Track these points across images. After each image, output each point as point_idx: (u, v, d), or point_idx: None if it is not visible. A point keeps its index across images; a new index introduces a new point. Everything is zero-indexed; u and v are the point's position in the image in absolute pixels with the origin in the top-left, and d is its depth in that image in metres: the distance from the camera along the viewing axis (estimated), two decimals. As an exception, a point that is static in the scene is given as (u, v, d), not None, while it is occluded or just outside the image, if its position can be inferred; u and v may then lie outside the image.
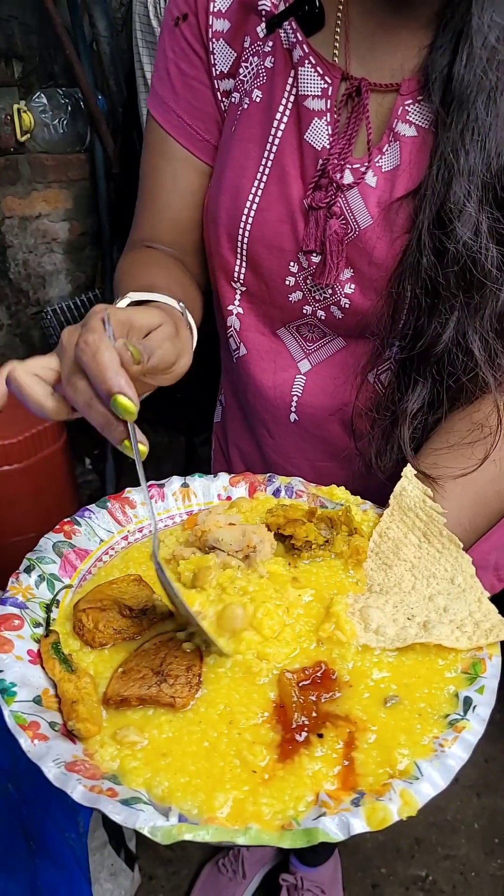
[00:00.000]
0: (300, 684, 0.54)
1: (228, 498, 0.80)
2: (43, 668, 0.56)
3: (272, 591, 0.61)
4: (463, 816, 1.88)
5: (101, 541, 0.72)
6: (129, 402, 0.54)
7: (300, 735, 0.51)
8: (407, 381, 0.80)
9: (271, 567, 0.66)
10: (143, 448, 0.58)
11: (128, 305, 0.70)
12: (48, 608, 0.62)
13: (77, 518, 0.72)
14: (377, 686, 0.55)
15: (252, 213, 0.82)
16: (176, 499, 0.79)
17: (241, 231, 0.83)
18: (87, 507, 0.74)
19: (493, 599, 0.61)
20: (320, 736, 0.50)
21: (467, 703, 0.52)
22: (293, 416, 0.96)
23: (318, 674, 0.55)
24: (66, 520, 0.71)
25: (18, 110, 2.23)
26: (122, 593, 0.63)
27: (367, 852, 1.82)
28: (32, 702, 0.51)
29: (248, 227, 0.82)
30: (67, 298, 2.65)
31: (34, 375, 0.59)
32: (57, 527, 0.70)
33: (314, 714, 0.52)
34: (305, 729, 0.51)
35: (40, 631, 0.59)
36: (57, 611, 0.62)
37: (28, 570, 0.64)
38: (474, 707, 0.52)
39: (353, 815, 0.43)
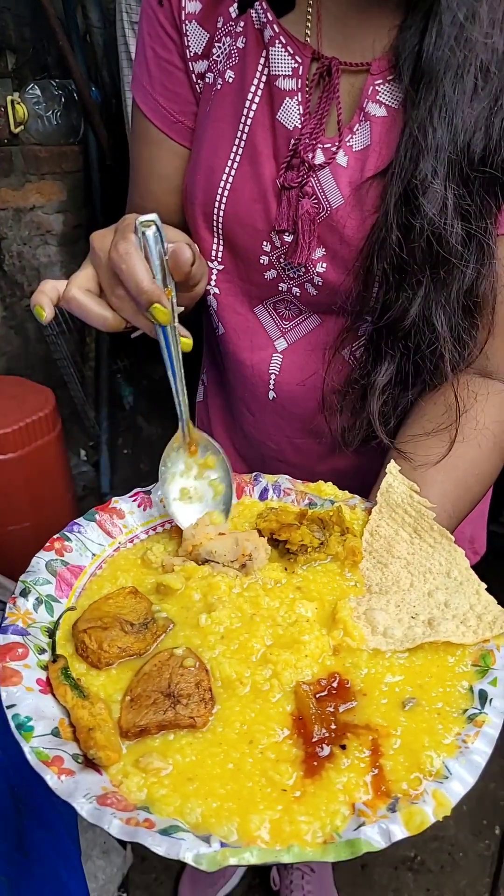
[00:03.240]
0: (317, 696, 0.54)
1: None
2: (54, 696, 0.53)
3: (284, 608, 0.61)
4: (451, 799, 1.94)
5: (94, 555, 0.70)
6: (164, 311, 0.62)
7: (322, 749, 0.50)
8: (377, 355, 0.81)
9: (270, 574, 0.65)
10: (188, 341, 0.68)
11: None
12: (51, 632, 0.60)
13: (66, 533, 0.69)
14: (392, 690, 0.55)
15: (226, 193, 0.83)
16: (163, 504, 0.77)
17: (215, 210, 0.84)
18: (76, 521, 0.72)
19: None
20: (343, 748, 0.50)
21: (482, 696, 0.53)
22: (271, 394, 0.97)
23: (334, 684, 0.55)
24: (55, 536, 0.69)
25: (12, 102, 2.20)
26: (121, 608, 0.61)
27: (358, 834, 1.87)
28: (51, 735, 0.50)
29: (223, 206, 0.83)
30: (62, 290, 2.65)
31: (88, 291, 0.65)
32: (47, 544, 0.67)
33: (333, 726, 0.52)
34: (326, 742, 0.50)
35: (45, 657, 0.57)
36: (58, 633, 0.60)
37: (24, 594, 0.61)
38: (490, 700, 0.52)
39: (391, 822, 0.44)
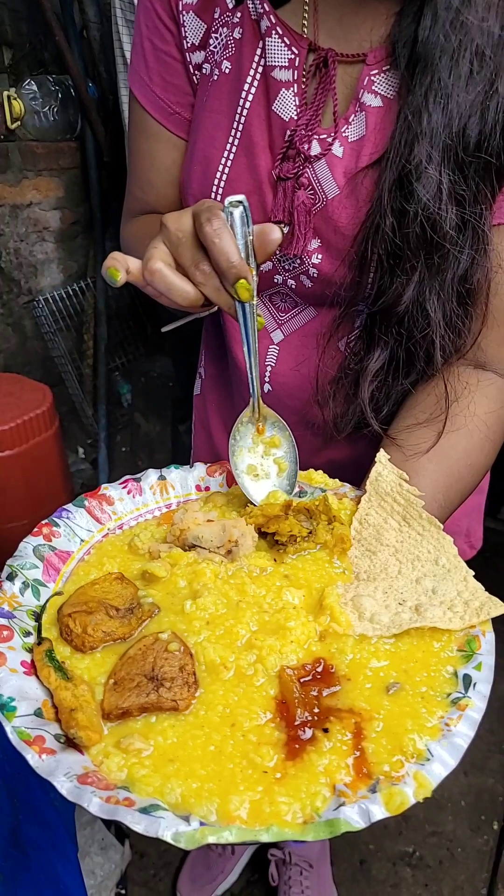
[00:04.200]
0: (301, 680, 0.54)
1: (207, 488, 0.80)
2: (38, 678, 0.54)
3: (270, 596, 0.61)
4: (450, 794, 1.93)
5: (82, 541, 0.70)
6: (249, 288, 0.64)
7: (304, 732, 0.50)
8: (370, 342, 0.82)
9: (256, 562, 0.65)
10: (262, 320, 0.71)
11: None
12: (37, 616, 0.60)
13: (55, 519, 0.70)
14: (377, 675, 0.55)
15: (222, 184, 0.83)
16: (154, 492, 0.78)
17: None
18: (65, 506, 0.72)
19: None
20: (325, 731, 0.50)
21: (467, 680, 0.53)
22: (267, 387, 0.97)
23: (318, 669, 0.55)
24: (43, 522, 0.69)
25: (8, 97, 2.20)
26: (106, 593, 0.61)
27: (356, 829, 1.87)
28: (34, 715, 0.50)
29: (219, 197, 0.83)
30: (59, 287, 2.65)
31: (170, 266, 0.66)
32: (35, 529, 0.68)
33: (316, 710, 0.52)
34: (309, 725, 0.50)
35: (31, 640, 0.57)
36: (44, 617, 0.61)
37: (11, 578, 0.62)
38: (474, 684, 0.52)
39: (371, 802, 0.44)
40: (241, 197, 0.65)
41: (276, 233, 0.66)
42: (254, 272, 0.66)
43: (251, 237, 0.66)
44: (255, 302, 0.67)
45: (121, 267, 0.66)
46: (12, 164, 2.32)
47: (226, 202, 0.65)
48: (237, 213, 0.65)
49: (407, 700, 0.53)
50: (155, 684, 0.52)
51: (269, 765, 0.48)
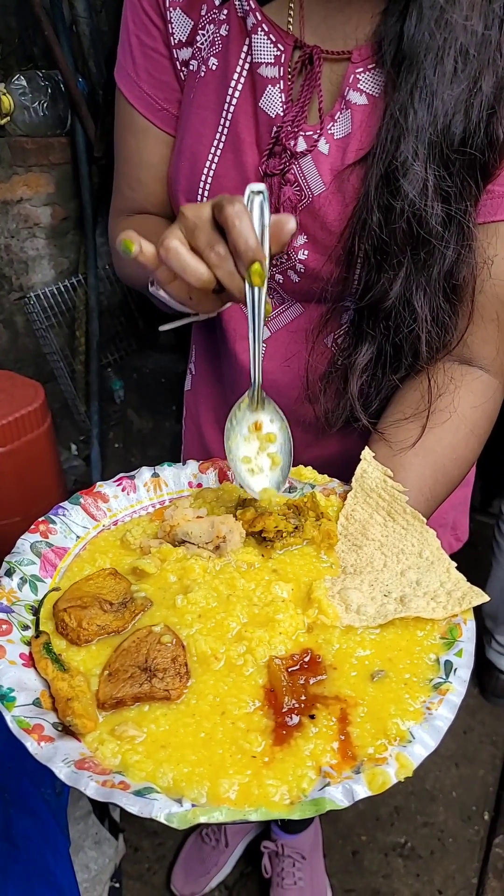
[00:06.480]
0: (288, 670, 0.56)
1: (199, 485, 0.82)
2: (36, 669, 0.56)
3: (259, 590, 0.63)
4: (441, 785, 1.95)
5: (78, 537, 0.72)
6: (262, 273, 0.64)
7: (291, 719, 0.52)
8: (358, 337, 0.83)
9: (244, 557, 0.67)
10: (269, 307, 0.70)
11: None
12: (35, 610, 0.63)
13: (51, 516, 0.72)
14: (362, 664, 0.57)
15: (209, 180, 0.84)
16: (147, 489, 0.80)
17: (199, 197, 0.85)
18: (61, 504, 0.74)
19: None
20: (312, 717, 0.52)
21: (448, 666, 0.55)
22: None
23: (305, 659, 0.57)
24: (40, 519, 0.71)
25: (-3, 93, 2.21)
26: (100, 588, 0.63)
27: (348, 820, 1.88)
28: (32, 705, 0.52)
29: (206, 193, 0.84)
30: (51, 284, 2.64)
31: (186, 247, 0.66)
32: (32, 527, 0.70)
33: (303, 697, 0.54)
34: (296, 712, 0.52)
35: (29, 633, 0.60)
36: (41, 612, 0.63)
37: (9, 574, 0.64)
38: (455, 670, 0.54)
39: (355, 783, 0.46)
40: (261, 186, 0.66)
41: (291, 223, 0.66)
42: (267, 260, 0.66)
43: (268, 227, 0.67)
44: (264, 288, 0.67)
45: (135, 241, 0.66)
46: (2, 159, 2.31)
47: (247, 190, 0.66)
48: (258, 200, 0.66)
49: (391, 686, 0.55)
50: (148, 675, 0.54)
51: (258, 750, 0.50)
